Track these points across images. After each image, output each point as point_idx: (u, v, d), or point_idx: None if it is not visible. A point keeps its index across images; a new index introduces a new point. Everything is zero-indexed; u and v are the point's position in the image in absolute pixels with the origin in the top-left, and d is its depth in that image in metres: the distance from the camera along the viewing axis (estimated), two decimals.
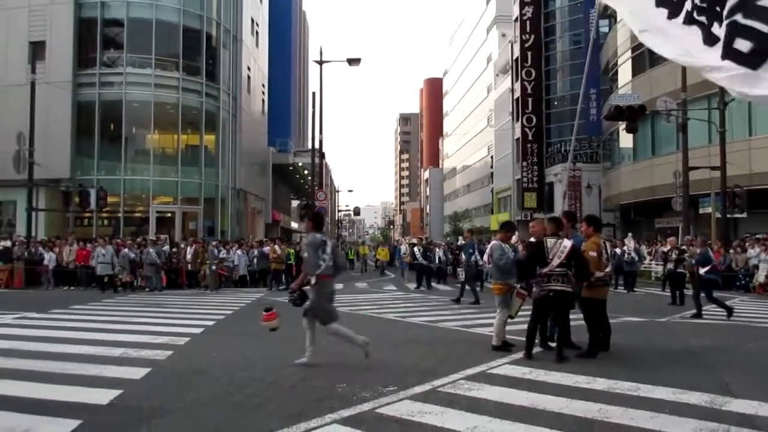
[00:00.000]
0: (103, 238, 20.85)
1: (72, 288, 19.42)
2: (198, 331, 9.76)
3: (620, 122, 27.28)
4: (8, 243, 20.95)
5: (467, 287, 15.15)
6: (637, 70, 31.73)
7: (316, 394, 5.70)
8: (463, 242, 19.75)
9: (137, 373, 6.53)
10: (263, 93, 41.19)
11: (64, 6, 27.24)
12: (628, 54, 32.39)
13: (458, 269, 16.28)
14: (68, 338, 8.81)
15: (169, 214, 29.12)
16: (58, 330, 9.63)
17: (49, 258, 19.74)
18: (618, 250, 18.82)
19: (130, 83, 27.77)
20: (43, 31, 27.44)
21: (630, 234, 22.96)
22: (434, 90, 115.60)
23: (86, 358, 7.29)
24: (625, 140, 33.58)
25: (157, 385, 6.09)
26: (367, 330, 10.34)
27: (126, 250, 19.16)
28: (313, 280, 7.02)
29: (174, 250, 21.07)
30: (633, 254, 19.11)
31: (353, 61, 26.76)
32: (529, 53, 47.21)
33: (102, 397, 5.51)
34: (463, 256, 16.32)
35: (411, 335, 9.70)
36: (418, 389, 5.81)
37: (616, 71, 35.06)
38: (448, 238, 39.04)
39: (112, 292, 17.87)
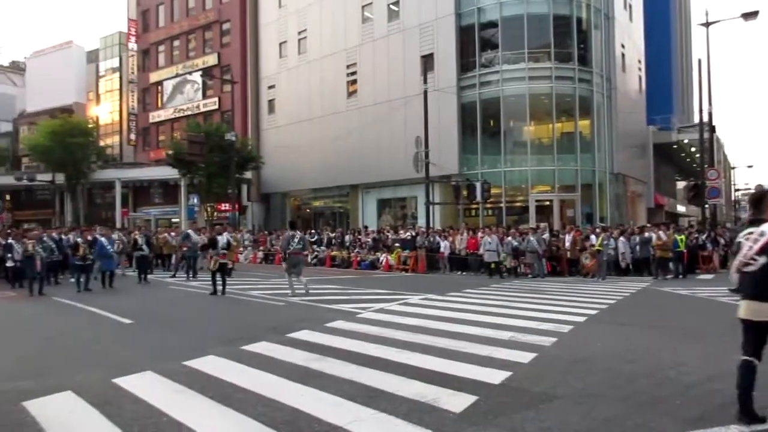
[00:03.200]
0: (488, 227, 22.52)
1: (464, 273, 21.42)
2: (581, 319, 9.70)
3: None
4: (413, 233, 24.32)
5: None
6: None
7: (718, 398, 5.09)
8: None
9: (524, 357, 6.82)
10: (639, 69, 38.60)
11: (447, 18, 30.21)
12: None
13: None
14: (462, 319, 9.74)
15: (547, 203, 29.68)
16: (453, 311, 10.72)
17: (444, 246, 22.19)
18: None
19: (506, 80, 29.19)
20: (431, 44, 30.97)
21: None
22: None
23: (478, 339, 7.94)
24: None
25: (544, 370, 6.26)
26: None
27: (510, 238, 20.26)
28: (285, 255, 14.04)
29: (554, 238, 21.41)
30: None
31: (749, 16, 23.05)
32: None
33: (494, 376, 5.93)
34: None
35: None
36: None
37: None
38: None
39: (498, 278, 19.13)
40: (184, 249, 19.99)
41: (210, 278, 14.50)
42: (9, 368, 6.74)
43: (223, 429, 4.57)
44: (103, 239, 16.56)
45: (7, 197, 50.31)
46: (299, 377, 6.05)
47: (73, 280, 17.00)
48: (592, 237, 19.69)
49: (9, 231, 22.09)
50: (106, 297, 14.34)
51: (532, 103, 29.28)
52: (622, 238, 20.24)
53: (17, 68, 71.90)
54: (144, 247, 18.67)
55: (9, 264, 16.65)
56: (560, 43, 29.26)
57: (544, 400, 5.14)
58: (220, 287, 14.23)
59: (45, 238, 16.49)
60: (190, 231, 21.05)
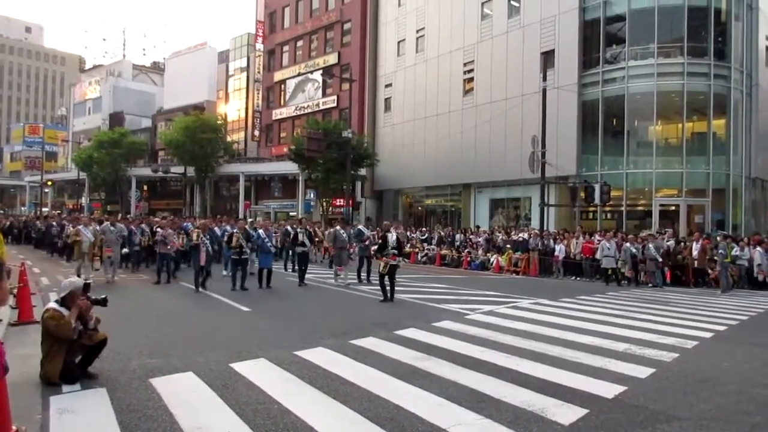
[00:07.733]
0: (606, 231, 21.50)
1: (578, 278, 20.59)
2: (707, 335, 9.00)
3: None
4: (525, 235, 23.73)
5: None
6: None
7: None
8: None
9: (641, 371, 6.44)
10: None
11: (571, 13, 29.06)
12: None
13: None
14: (574, 327, 9.36)
15: (673, 207, 27.85)
16: (566, 318, 10.33)
17: (558, 249, 21.45)
18: None
19: (632, 76, 27.62)
20: (552, 40, 29.95)
21: None
22: None
23: (591, 349, 7.60)
24: None
25: (663, 387, 5.87)
26: None
27: (627, 244, 19.22)
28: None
29: (679, 245, 20.05)
30: None
31: None
32: None
33: (607, 390, 5.65)
34: None
35: None
36: None
37: None
38: None
39: (615, 285, 18.21)
40: (364, 245, 17.09)
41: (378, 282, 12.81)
42: (140, 347, 7.31)
43: (329, 421, 4.68)
44: (260, 231, 14.69)
45: (145, 187, 54.83)
46: (404, 375, 6.09)
47: (224, 273, 16.31)
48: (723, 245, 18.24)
49: (167, 217, 23.14)
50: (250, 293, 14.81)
51: (660, 102, 27.54)
52: (759, 249, 18.58)
53: (158, 69, 78.10)
54: (306, 242, 16.25)
55: (162, 251, 15.65)
56: (694, 36, 27.28)
57: (662, 421, 4.82)
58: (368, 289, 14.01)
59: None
60: (361, 227, 19.12)
